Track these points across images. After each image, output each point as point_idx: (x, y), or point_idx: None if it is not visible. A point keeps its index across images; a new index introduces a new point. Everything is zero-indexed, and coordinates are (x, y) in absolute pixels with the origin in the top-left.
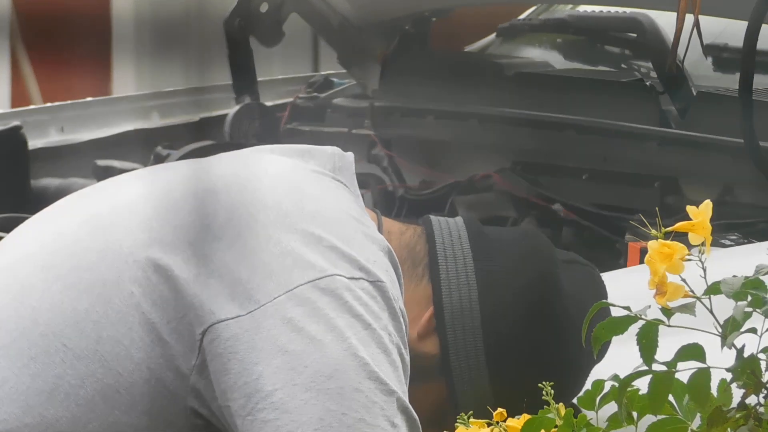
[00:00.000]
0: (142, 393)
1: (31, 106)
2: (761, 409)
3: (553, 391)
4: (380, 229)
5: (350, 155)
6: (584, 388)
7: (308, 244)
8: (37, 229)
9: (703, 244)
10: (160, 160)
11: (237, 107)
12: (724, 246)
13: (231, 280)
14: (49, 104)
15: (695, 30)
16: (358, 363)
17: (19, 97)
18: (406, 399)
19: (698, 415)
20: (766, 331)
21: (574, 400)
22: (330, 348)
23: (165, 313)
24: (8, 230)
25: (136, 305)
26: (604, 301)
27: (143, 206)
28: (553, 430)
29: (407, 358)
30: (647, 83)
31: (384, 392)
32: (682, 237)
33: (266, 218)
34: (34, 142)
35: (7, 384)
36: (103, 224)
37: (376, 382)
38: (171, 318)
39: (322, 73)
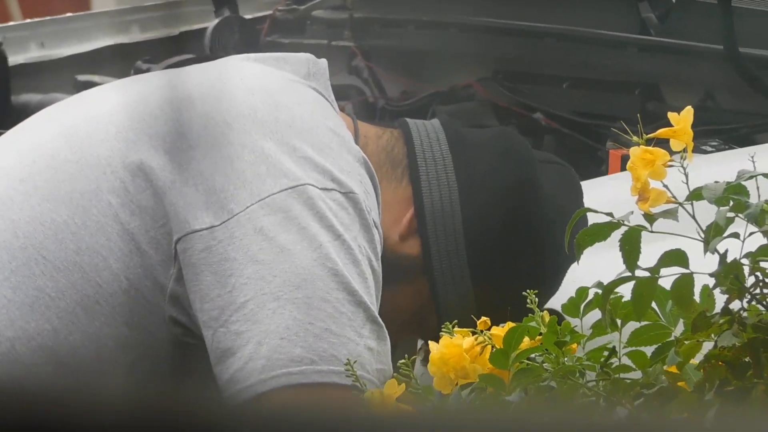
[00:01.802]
0: (122, 303)
1: (11, 23)
2: (745, 314)
3: (535, 298)
4: (356, 134)
5: (323, 61)
6: (568, 296)
7: (282, 153)
8: (15, 142)
9: (684, 150)
10: (140, 74)
11: (216, 20)
12: (706, 152)
13: (206, 189)
14: (28, 20)
15: None
16: (327, 273)
17: None
18: (374, 309)
19: (681, 321)
20: (748, 236)
21: (558, 308)
22: (299, 257)
23: (143, 222)
24: None
25: (115, 215)
26: (587, 207)
27: (119, 116)
28: (538, 337)
29: (378, 269)
30: None
31: (352, 303)
32: (663, 143)
33: (241, 126)
34: (14, 58)
35: None
36: (79, 135)
37: (345, 293)
38: (149, 227)
39: None
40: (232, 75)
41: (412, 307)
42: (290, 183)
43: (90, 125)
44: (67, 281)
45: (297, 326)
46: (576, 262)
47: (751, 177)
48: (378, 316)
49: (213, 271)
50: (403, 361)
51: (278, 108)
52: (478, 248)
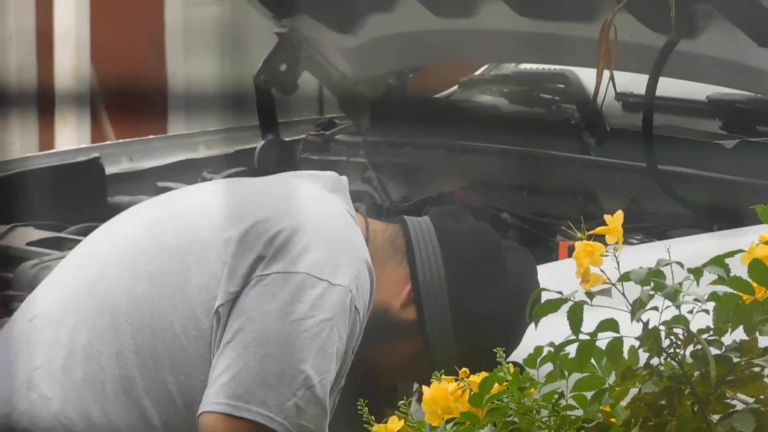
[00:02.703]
0: (181, 357)
1: (107, 142)
2: (662, 368)
3: (503, 354)
4: (368, 228)
5: (345, 178)
6: (527, 353)
7: (299, 245)
8: (109, 233)
9: (616, 243)
10: (204, 182)
11: (263, 142)
12: (632, 244)
13: (243, 266)
14: (120, 140)
15: (611, 81)
16: (285, 341)
17: (97, 138)
18: (317, 380)
19: (613, 372)
20: (665, 308)
21: (520, 361)
22: (273, 323)
23: (200, 296)
24: (88, 235)
25: (180, 289)
26: (543, 287)
27: (187, 215)
28: (504, 383)
29: (348, 346)
30: (572, 122)
31: (297, 370)
32: (600, 238)
33: (282, 222)
34: (109, 169)
35: (86, 350)
36: (158, 229)
37: (292, 359)
38: (203, 299)
39: (327, 115)
40: (278, 186)
41: (410, 357)
42: (292, 269)
43: (166, 221)
44: (142, 340)
45: (247, 371)
46: (534, 328)
47: (667, 264)
48: (316, 385)
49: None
50: (402, 401)
51: (307, 213)
52: (460, 313)
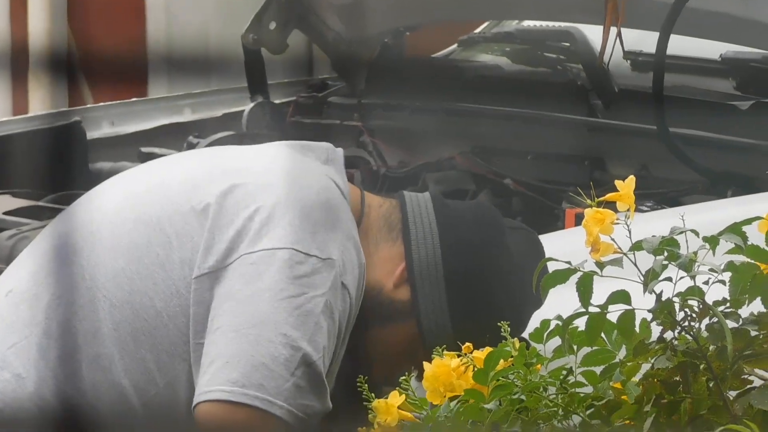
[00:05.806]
0: (162, 335)
1: (88, 105)
2: (676, 342)
3: (507, 328)
4: (363, 202)
5: (340, 150)
6: (533, 327)
7: (283, 221)
8: (88, 204)
9: (628, 210)
10: (191, 146)
11: (251, 104)
12: (642, 211)
13: (221, 239)
14: (101, 103)
15: (618, 39)
16: (279, 320)
17: (75, 102)
18: (314, 355)
19: (624, 347)
20: (679, 279)
21: (526, 335)
22: (264, 303)
23: (182, 271)
24: (69, 203)
25: (161, 264)
26: (550, 257)
27: (168, 185)
28: (510, 359)
29: (341, 322)
30: (578, 82)
31: (291, 347)
32: (610, 204)
33: (261, 197)
34: (91, 134)
35: (62, 328)
36: (137, 201)
37: (287, 338)
38: (186, 274)
39: (320, 76)
40: (263, 157)
41: (403, 342)
42: (279, 245)
43: (147, 192)
44: (121, 316)
45: (241, 354)
46: (542, 302)
47: (681, 232)
48: (316, 362)
49: (206, 306)
50: (403, 377)
51: (293, 187)
52: (456, 294)
